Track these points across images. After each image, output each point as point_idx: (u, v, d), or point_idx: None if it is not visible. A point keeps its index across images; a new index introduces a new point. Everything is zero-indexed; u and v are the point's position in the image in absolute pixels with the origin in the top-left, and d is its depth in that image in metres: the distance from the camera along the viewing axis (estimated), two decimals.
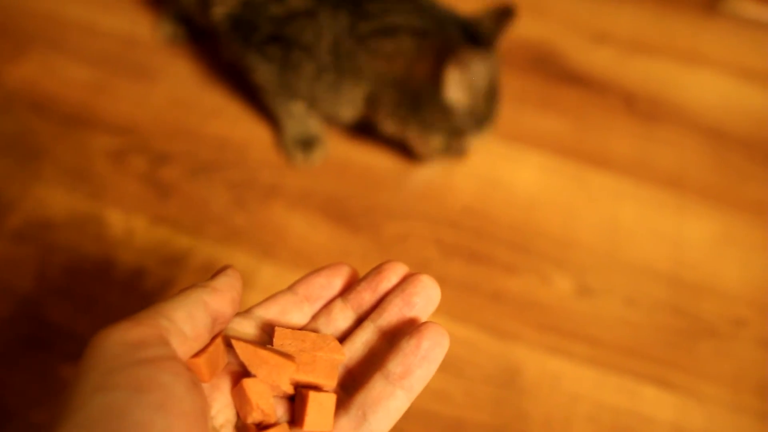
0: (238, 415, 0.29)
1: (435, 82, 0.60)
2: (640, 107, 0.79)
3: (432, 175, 0.70)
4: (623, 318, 0.63)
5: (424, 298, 0.32)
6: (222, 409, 0.29)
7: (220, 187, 0.66)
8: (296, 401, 0.30)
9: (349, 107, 0.65)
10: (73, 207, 0.63)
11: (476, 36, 0.62)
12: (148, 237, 0.62)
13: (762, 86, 0.83)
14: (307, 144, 0.68)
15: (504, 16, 0.62)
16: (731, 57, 0.86)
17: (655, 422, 0.57)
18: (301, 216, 0.65)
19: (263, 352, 0.29)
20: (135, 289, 0.59)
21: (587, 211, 0.69)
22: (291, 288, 0.34)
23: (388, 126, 0.65)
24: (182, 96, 0.72)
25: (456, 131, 0.63)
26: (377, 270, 0.33)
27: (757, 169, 0.76)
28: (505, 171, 0.71)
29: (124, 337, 0.25)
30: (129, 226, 0.62)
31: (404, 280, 0.32)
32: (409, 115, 0.63)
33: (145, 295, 0.59)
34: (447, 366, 0.59)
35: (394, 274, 0.33)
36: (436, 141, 0.64)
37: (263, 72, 0.64)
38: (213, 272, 0.31)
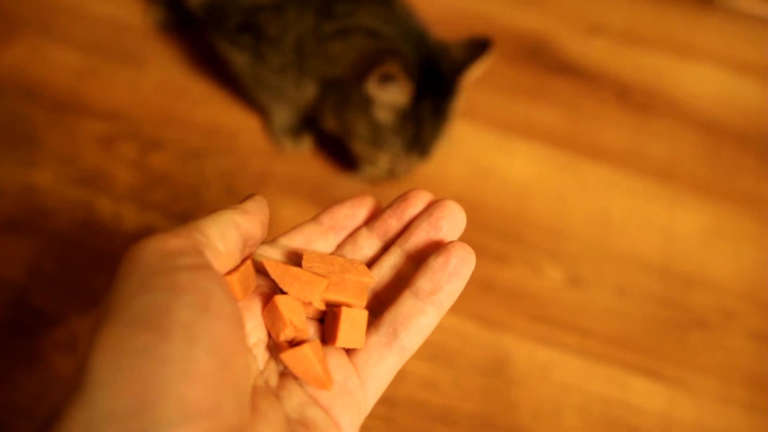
0: (269, 335, 0.29)
1: (361, 87, 0.57)
2: (634, 99, 0.79)
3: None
4: (614, 308, 0.62)
5: (450, 222, 0.32)
6: (253, 329, 0.29)
7: (210, 174, 0.65)
8: (327, 319, 0.30)
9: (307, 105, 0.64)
10: (62, 193, 0.62)
11: (439, 61, 0.59)
12: (137, 224, 0.61)
13: (756, 80, 0.83)
14: (296, 132, 0.67)
15: (480, 48, 0.59)
16: (726, 50, 0.86)
17: (644, 413, 0.57)
18: (291, 203, 0.65)
19: (294, 270, 0.29)
20: None
21: (579, 201, 0.69)
22: (315, 219, 0.34)
23: (332, 124, 0.62)
24: (172, 82, 0.71)
25: (384, 147, 0.60)
26: (402, 197, 0.33)
27: (749, 161, 0.75)
28: (498, 161, 0.71)
29: (162, 246, 0.25)
30: (118, 212, 0.62)
31: (430, 206, 0.33)
32: (347, 118, 0.60)
33: None
34: (436, 355, 0.59)
35: (419, 201, 0.33)
36: (370, 152, 0.61)
37: (236, 61, 0.64)
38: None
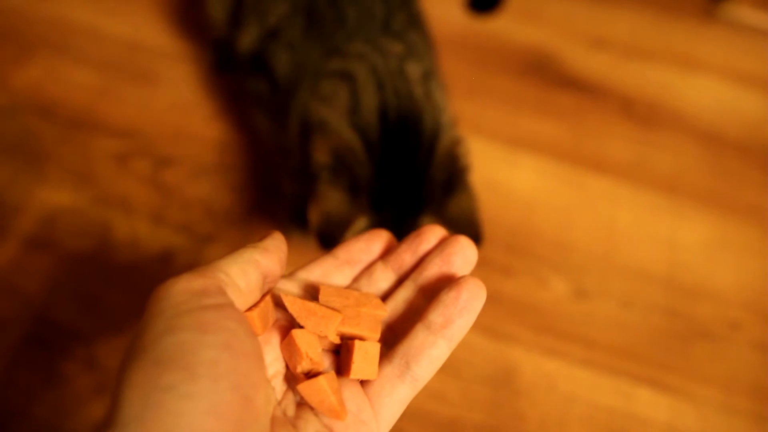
0: (287, 367, 0.30)
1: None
2: (638, 112, 0.80)
3: None
4: (619, 320, 0.63)
5: (462, 257, 0.33)
6: (272, 361, 0.30)
7: (222, 190, 0.67)
8: (342, 351, 0.31)
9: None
10: (77, 209, 0.64)
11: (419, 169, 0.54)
12: (150, 239, 0.63)
13: (758, 92, 0.84)
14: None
15: (454, 184, 0.53)
16: (728, 63, 0.87)
17: (649, 423, 0.58)
18: None
19: (311, 305, 0.31)
20: (138, 290, 0.59)
21: (584, 214, 0.70)
22: (332, 252, 0.35)
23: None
24: (185, 100, 0.73)
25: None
26: (417, 233, 0.35)
27: (752, 173, 0.76)
28: (503, 174, 0.72)
29: (187, 286, 0.27)
30: (132, 228, 0.63)
31: (443, 242, 0.34)
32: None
33: (148, 297, 0.59)
34: (444, 367, 0.59)
35: (433, 236, 0.35)
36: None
37: (256, 92, 0.63)
38: None
